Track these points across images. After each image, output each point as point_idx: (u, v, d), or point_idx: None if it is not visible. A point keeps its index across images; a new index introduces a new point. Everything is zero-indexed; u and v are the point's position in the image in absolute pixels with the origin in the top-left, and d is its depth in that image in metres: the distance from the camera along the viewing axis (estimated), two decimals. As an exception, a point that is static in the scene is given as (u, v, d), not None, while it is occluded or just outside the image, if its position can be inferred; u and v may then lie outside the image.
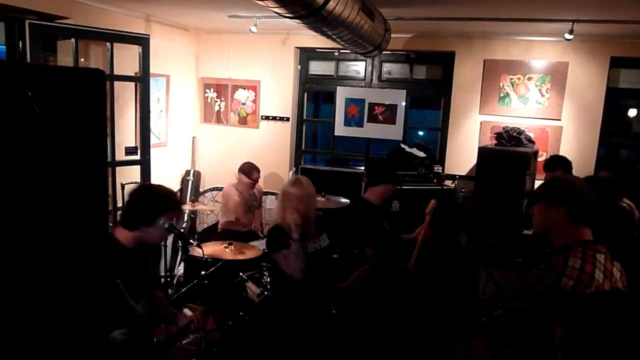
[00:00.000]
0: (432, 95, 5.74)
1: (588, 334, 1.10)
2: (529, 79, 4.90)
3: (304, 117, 5.92)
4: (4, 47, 3.76)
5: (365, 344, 0.98)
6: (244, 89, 5.75)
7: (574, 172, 4.18)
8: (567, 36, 4.11)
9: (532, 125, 4.90)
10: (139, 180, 4.40)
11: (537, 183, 4.70)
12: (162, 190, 2.25)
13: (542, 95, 4.88)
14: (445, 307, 1.01)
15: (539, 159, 4.80)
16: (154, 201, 2.17)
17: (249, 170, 4.98)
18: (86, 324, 1.30)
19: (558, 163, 4.13)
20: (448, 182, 5.09)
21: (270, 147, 5.72)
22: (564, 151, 4.74)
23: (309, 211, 2.88)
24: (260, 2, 2.13)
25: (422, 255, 3.30)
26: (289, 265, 2.78)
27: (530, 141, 4.69)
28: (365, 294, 1.01)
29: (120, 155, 4.29)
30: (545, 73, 4.85)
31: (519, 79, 4.94)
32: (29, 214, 1.16)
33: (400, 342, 0.96)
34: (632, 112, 5.38)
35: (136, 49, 4.31)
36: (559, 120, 4.86)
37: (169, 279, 4.35)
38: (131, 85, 4.55)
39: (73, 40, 3.85)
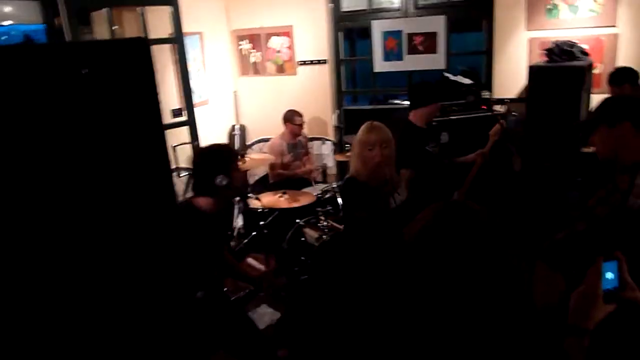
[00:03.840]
0: (473, 18, 5.44)
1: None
2: (579, -15, 4.54)
3: (341, 58, 5.78)
4: (43, 26, 3.84)
5: (437, 283, 1.00)
6: (278, 35, 5.65)
7: None
8: None
9: (584, 36, 4.57)
10: (188, 140, 4.50)
11: (594, 97, 4.46)
12: (216, 149, 2.32)
13: (594, 1, 4.52)
14: (508, 240, 1.02)
15: (595, 72, 4.52)
16: (210, 163, 2.25)
17: (291, 117, 5.01)
18: (173, 289, 1.39)
19: (625, 75, 3.86)
20: (498, 107, 4.91)
21: (310, 92, 5.67)
22: (622, 61, 4.43)
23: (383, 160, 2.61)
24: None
25: (476, 179, 3.24)
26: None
27: (584, 53, 4.41)
28: (432, 240, 1.03)
29: (166, 119, 4.38)
30: (597, -24, 4.47)
31: (567, -14, 4.58)
32: (98, 188, 1.22)
33: (471, 278, 0.99)
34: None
35: (167, 10, 4.28)
36: (615, 26, 4.51)
37: (229, 232, 4.52)
38: (167, 48, 4.57)
39: (105, 9, 3.87)
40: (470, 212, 1.07)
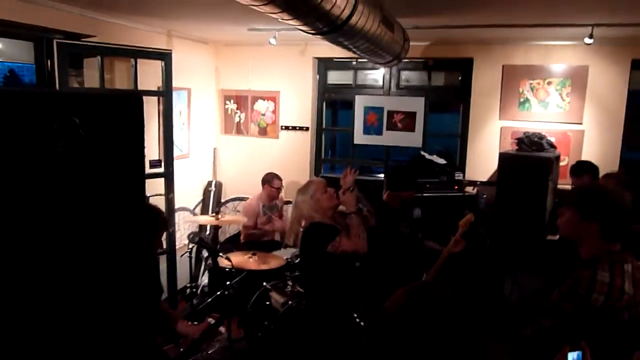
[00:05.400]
0: (450, 102, 5.74)
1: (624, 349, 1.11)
2: (549, 83, 4.88)
3: (323, 126, 5.96)
4: (34, 65, 3.89)
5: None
6: (264, 99, 5.82)
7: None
8: (587, 40, 4.08)
9: (553, 130, 4.87)
10: (162, 192, 4.48)
11: (560, 188, 4.67)
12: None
13: (563, 100, 4.85)
14: (477, 324, 1.05)
15: (561, 164, 4.77)
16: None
17: (271, 179, 5.09)
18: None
19: (585, 168, 4.10)
20: (469, 189, 5.08)
21: (290, 156, 5.78)
22: (587, 155, 4.69)
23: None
24: (284, 20, 2.18)
25: (447, 261, 3.28)
26: (355, 239, 2.84)
27: (552, 146, 4.66)
28: (403, 318, 1.06)
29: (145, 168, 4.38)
30: (565, 77, 4.82)
31: (538, 83, 4.91)
32: (79, 237, 1.22)
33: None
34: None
35: (159, 64, 4.40)
36: (581, 124, 4.83)
37: (193, 289, 4.42)
38: (154, 99, 4.65)
39: (99, 57, 3.96)
40: (441, 296, 1.10)
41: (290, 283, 3.97)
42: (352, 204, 3.02)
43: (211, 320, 4.18)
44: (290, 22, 2.21)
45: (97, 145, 1.22)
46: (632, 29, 4.03)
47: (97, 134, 1.22)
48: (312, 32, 2.39)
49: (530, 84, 4.93)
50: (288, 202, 5.67)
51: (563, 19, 3.86)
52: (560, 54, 4.84)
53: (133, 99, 1.35)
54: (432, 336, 1.02)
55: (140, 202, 1.39)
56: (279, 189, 5.13)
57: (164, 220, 2.47)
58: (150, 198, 4.42)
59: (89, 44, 4.03)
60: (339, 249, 2.85)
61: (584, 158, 4.63)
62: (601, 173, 4.26)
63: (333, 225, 2.93)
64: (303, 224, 3.13)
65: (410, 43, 4.40)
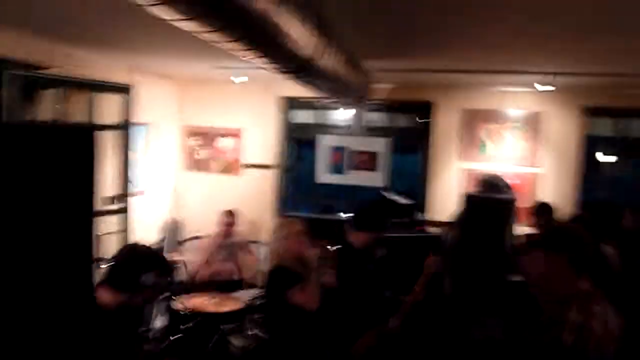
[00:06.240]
0: (412, 143, 5.84)
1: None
2: (506, 127, 5.04)
3: (287, 165, 5.93)
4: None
5: None
6: (227, 136, 5.75)
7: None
8: (538, 87, 4.26)
9: (510, 172, 4.99)
10: (117, 229, 4.29)
11: (518, 229, 4.75)
12: (146, 250, 2.20)
13: (519, 143, 5.01)
14: None
15: (520, 206, 4.87)
16: (138, 261, 2.11)
17: (220, 216, 4.99)
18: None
19: (545, 209, 4.26)
20: (432, 228, 5.10)
21: (253, 194, 5.69)
22: (542, 197, 4.82)
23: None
24: (250, 59, 2.16)
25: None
26: (308, 295, 2.76)
27: (509, 188, 4.76)
28: None
29: (98, 205, 4.19)
30: (522, 122, 5.00)
31: (495, 127, 5.07)
32: (21, 267, 1.12)
33: None
34: (608, 159, 5.53)
35: (118, 98, 4.30)
36: (537, 167, 4.98)
37: (147, 333, 4.17)
38: (113, 133, 4.51)
39: (55, 89, 3.82)
40: (406, 342, 1.06)
41: (249, 326, 3.82)
42: (314, 261, 2.98)
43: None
44: (255, 60, 2.19)
45: (45, 176, 1.13)
46: (586, 78, 4.24)
47: (45, 165, 1.13)
48: (277, 71, 2.37)
49: (488, 128, 5.08)
50: (251, 242, 5.54)
51: (520, 66, 4.02)
52: (515, 99, 5.04)
53: (84, 132, 1.27)
54: None
55: (87, 233, 1.29)
56: (228, 225, 5.01)
57: (168, 265, 2.26)
58: (106, 236, 4.21)
59: (42, 75, 3.89)
60: (292, 300, 2.81)
61: (540, 199, 4.75)
62: (557, 214, 4.40)
63: (297, 273, 2.87)
64: (270, 262, 3.07)
65: (375, 85, 4.48)
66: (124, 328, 2.17)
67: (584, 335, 1.74)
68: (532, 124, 4.97)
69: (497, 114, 5.06)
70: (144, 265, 2.11)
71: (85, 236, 1.31)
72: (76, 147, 1.24)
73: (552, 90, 4.59)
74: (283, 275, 2.89)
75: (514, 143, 5.03)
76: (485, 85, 5.05)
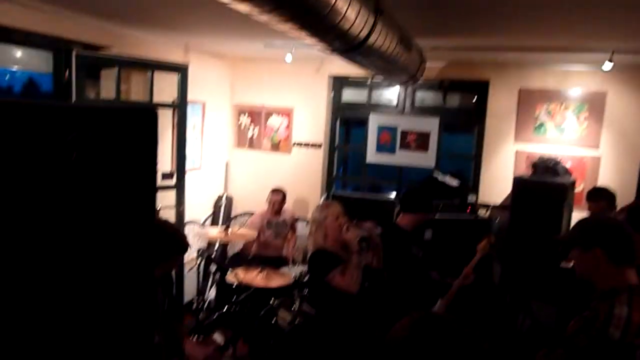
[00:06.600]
0: (465, 123, 5.70)
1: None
2: (566, 107, 4.82)
3: (336, 144, 5.94)
4: (51, 74, 3.93)
5: None
6: (278, 115, 5.83)
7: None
8: (605, 67, 4.04)
9: (568, 155, 4.80)
10: (173, 204, 4.47)
11: (575, 214, 4.58)
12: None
13: (580, 125, 4.79)
14: (484, 354, 1.01)
15: (577, 190, 4.69)
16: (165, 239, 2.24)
17: (270, 194, 5.10)
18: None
19: (602, 194, 4.02)
20: (482, 211, 5.01)
21: (302, 173, 5.76)
22: (603, 182, 4.62)
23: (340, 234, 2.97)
24: (301, 38, 2.18)
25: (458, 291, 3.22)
26: (348, 278, 2.75)
27: (567, 172, 4.59)
28: (407, 349, 1.03)
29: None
30: (583, 102, 4.77)
31: (555, 107, 4.86)
32: (89, 251, 1.20)
33: None
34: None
35: (175, 76, 4.43)
36: (597, 149, 4.75)
37: (200, 304, 4.37)
38: (169, 111, 4.67)
39: (116, 69, 3.99)
40: (449, 326, 1.07)
41: (297, 301, 3.92)
42: (354, 244, 2.95)
43: (217, 337, 4.13)
44: (307, 40, 2.20)
45: (110, 158, 1.20)
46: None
47: (111, 146, 1.20)
48: (329, 50, 2.38)
49: (547, 108, 4.88)
50: (299, 219, 5.64)
51: (582, 43, 3.82)
52: (577, 78, 4.80)
53: (148, 113, 1.33)
54: None
55: (151, 216, 1.36)
56: (274, 203, 5.10)
57: (182, 244, 2.40)
58: (161, 211, 4.41)
59: (106, 55, 4.08)
60: (332, 283, 2.82)
61: (600, 184, 4.55)
62: (618, 200, 4.18)
63: (336, 256, 2.88)
64: (312, 245, 3.10)
65: (427, 64, 4.39)
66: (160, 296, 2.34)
67: (630, 330, 1.68)
68: (594, 105, 4.72)
69: (557, 94, 4.84)
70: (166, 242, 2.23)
71: (149, 210, 1.39)
72: (141, 126, 1.31)
73: (616, 69, 4.34)
74: (323, 259, 2.90)
75: (573, 124, 4.81)
76: (544, 64, 4.84)
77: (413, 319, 1.09)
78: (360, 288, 2.78)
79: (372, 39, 2.31)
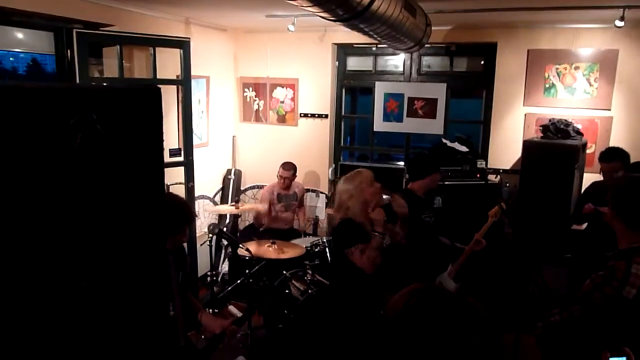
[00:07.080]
0: (473, 88, 5.62)
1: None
2: (576, 68, 4.72)
3: (342, 114, 5.90)
4: (54, 56, 3.91)
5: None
6: (282, 87, 5.77)
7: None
8: (618, 23, 3.92)
9: (579, 116, 4.72)
10: (182, 180, 4.50)
11: (587, 176, 4.54)
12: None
13: (591, 85, 4.69)
14: (486, 325, 1.02)
15: (588, 151, 4.63)
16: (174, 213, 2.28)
17: (280, 167, 5.11)
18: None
19: (615, 154, 3.93)
20: (492, 177, 4.98)
21: (309, 144, 5.74)
22: (615, 142, 4.54)
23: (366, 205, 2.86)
24: (303, 7, 2.13)
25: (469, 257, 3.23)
26: (365, 259, 2.72)
27: (579, 133, 4.52)
28: (408, 321, 1.04)
29: (164, 158, 4.39)
30: (594, 61, 4.66)
31: (565, 68, 4.76)
32: (99, 230, 1.22)
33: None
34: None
35: (177, 52, 4.39)
36: (609, 110, 4.67)
37: (214, 277, 4.44)
38: (173, 87, 4.65)
39: (118, 46, 3.96)
40: (451, 299, 1.08)
41: (309, 272, 3.97)
42: (379, 222, 2.89)
43: (232, 309, 4.22)
44: (310, 8, 2.16)
45: (115, 138, 1.20)
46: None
47: (116, 126, 1.20)
48: (332, 19, 2.33)
49: (557, 68, 4.78)
50: (307, 191, 5.66)
51: (592, 0, 3.71)
52: (588, 37, 4.67)
53: (151, 91, 1.32)
54: (436, 338, 1.01)
55: (160, 193, 1.37)
56: (285, 179, 5.11)
57: (190, 213, 2.46)
58: (171, 187, 4.44)
59: (107, 33, 4.04)
60: (350, 257, 2.78)
61: (612, 145, 4.48)
62: (632, 160, 4.12)
63: (363, 232, 2.78)
64: (339, 214, 3.00)
65: (432, 28, 4.29)
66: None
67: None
68: (605, 64, 4.61)
69: (567, 54, 4.73)
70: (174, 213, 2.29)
71: (157, 185, 1.40)
72: (145, 105, 1.30)
73: (629, 26, 4.22)
74: (350, 230, 2.80)
75: (584, 84, 4.71)
76: (554, 23, 4.71)
77: (411, 290, 1.10)
78: (377, 269, 2.75)
79: (375, 5, 2.25)
